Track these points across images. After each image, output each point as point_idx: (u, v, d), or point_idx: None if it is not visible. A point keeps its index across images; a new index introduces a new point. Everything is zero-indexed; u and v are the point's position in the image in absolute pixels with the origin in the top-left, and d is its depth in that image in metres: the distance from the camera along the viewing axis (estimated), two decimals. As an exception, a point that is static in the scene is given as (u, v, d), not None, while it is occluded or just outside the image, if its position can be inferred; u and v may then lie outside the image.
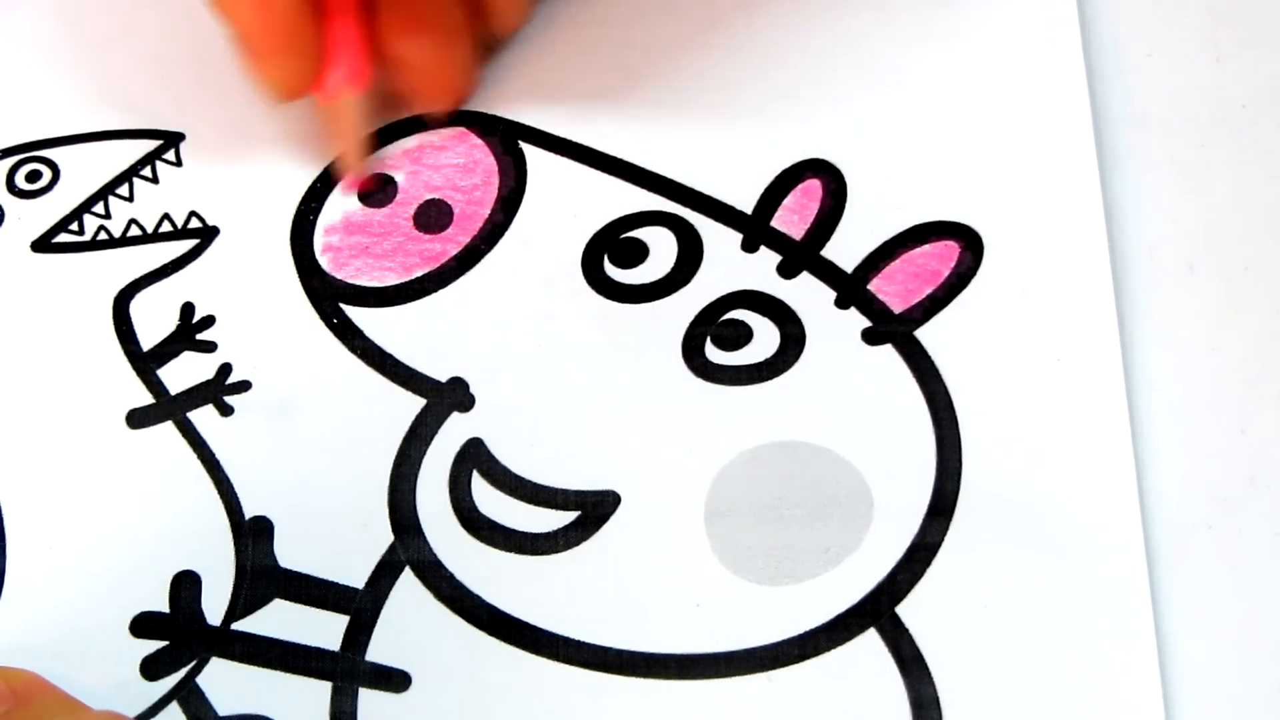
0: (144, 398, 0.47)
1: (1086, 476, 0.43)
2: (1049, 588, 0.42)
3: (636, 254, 0.48)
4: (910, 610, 0.42)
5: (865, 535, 0.43)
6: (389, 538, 0.45)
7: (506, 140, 0.50)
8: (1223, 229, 0.47)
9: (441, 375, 0.47)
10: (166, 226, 0.50)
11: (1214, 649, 0.41)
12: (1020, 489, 0.43)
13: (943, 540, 0.43)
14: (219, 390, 0.47)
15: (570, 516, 0.44)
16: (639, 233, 0.48)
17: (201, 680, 0.43)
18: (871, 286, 0.47)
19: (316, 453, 0.46)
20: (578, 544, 0.44)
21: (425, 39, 0.48)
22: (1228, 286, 0.46)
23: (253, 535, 0.45)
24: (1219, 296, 0.46)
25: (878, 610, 0.42)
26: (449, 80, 0.50)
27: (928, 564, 0.43)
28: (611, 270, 0.48)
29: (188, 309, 0.48)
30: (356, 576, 0.44)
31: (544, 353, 0.47)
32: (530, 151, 0.50)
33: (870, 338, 0.46)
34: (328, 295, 0.48)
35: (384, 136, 0.51)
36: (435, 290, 0.48)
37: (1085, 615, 0.42)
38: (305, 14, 0.46)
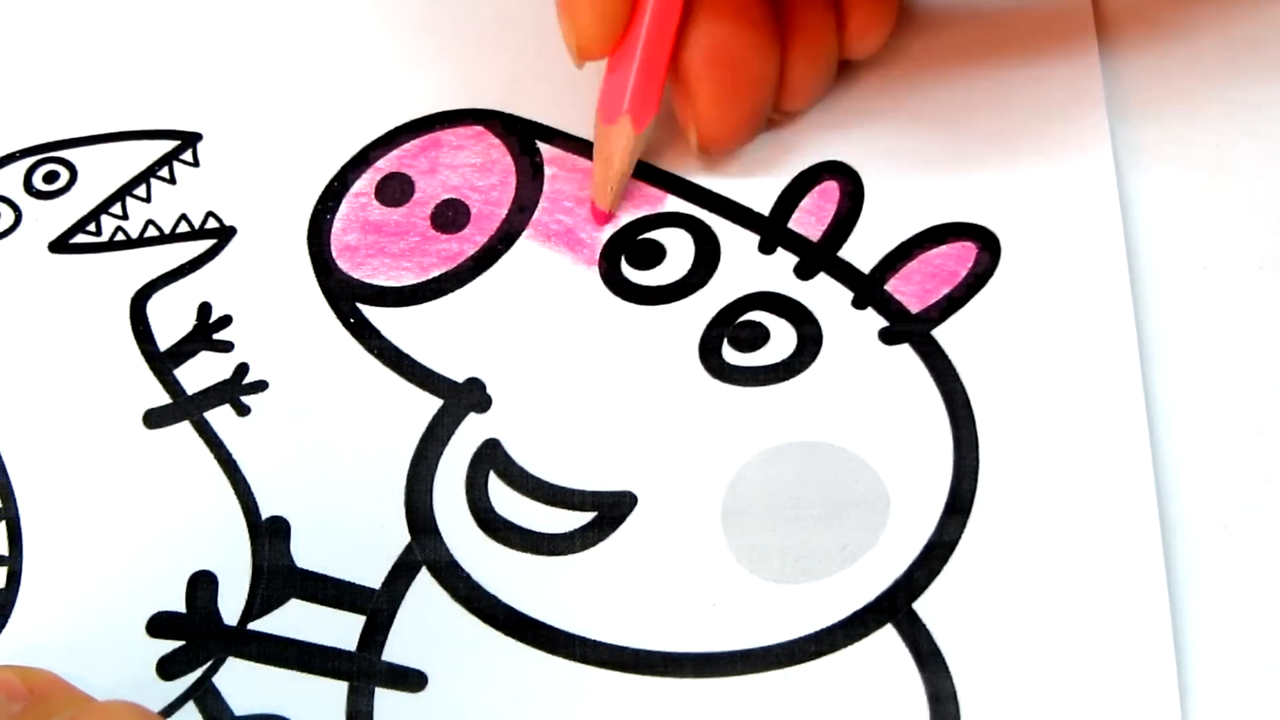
0: (161, 398, 0.47)
1: (1103, 474, 0.43)
2: (1066, 584, 0.42)
3: (654, 255, 0.48)
4: (927, 606, 0.42)
5: (882, 533, 0.43)
6: (405, 538, 0.45)
7: (524, 140, 0.50)
8: (1237, 229, 0.47)
9: (459, 376, 0.47)
10: (184, 227, 0.50)
11: (1230, 647, 0.41)
12: (1038, 487, 0.43)
13: (960, 537, 0.43)
14: (236, 390, 0.47)
15: (587, 517, 0.44)
16: (656, 234, 0.48)
17: (218, 680, 0.43)
18: (889, 287, 0.47)
19: (333, 453, 0.46)
20: (594, 544, 0.44)
21: (727, 79, 0.47)
22: (1242, 286, 0.46)
23: (269, 535, 0.45)
24: (1233, 296, 0.46)
25: (895, 606, 0.42)
26: (732, 129, 0.48)
27: (945, 561, 0.43)
28: (629, 271, 0.48)
29: (205, 309, 0.48)
30: (373, 577, 0.44)
31: (561, 354, 0.47)
32: (547, 151, 0.50)
33: (887, 338, 0.46)
34: (345, 295, 0.48)
35: (400, 133, 0.51)
36: (452, 290, 0.48)
37: (1102, 612, 0.41)
38: None
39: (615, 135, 0.47)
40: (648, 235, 0.48)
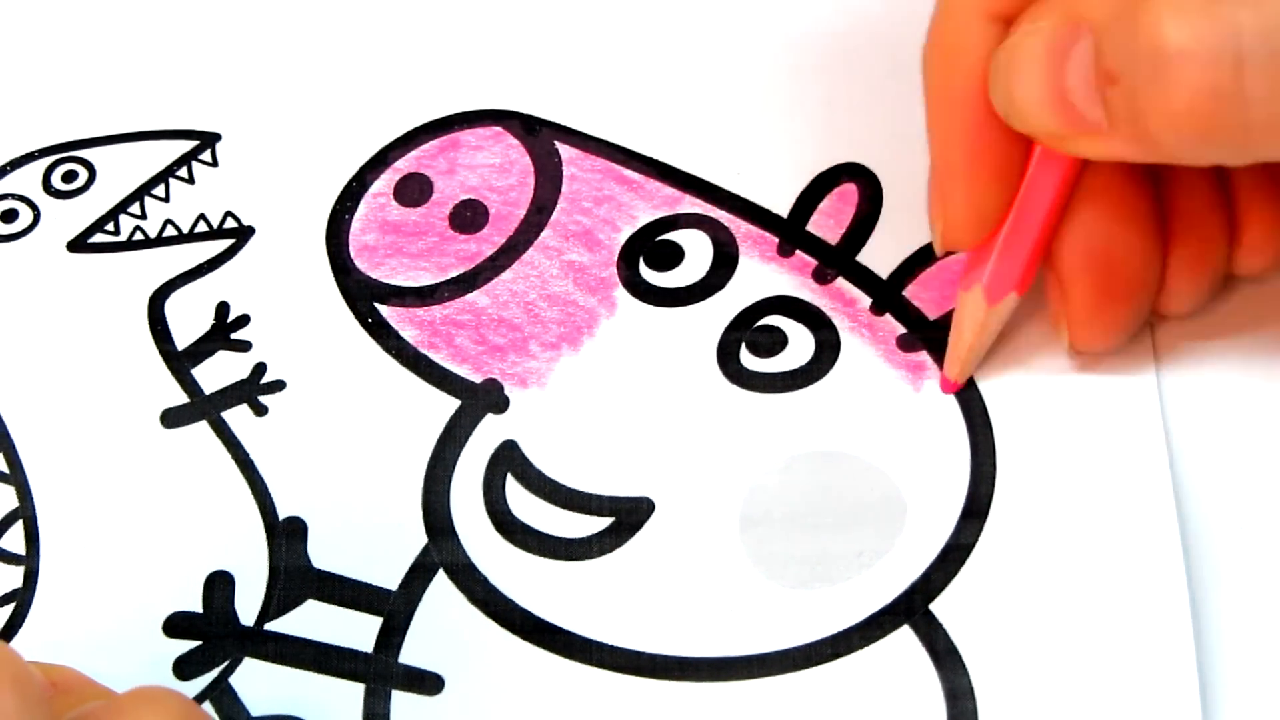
0: (179, 397, 0.47)
1: (1120, 478, 0.43)
2: (1084, 584, 0.42)
3: (672, 257, 0.48)
4: (944, 607, 0.42)
5: (898, 539, 0.43)
6: (422, 540, 0.45)
7: (543, 140, 0.50)
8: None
9: (476, 376, 0.47)
10: (202, 226, 0.50)
11: (1250, 649, 0.41)
12: (1055, 492, 0.43)
13: (976, 541, 0.43)
14: (253, 390, 0.47)
15: (604, 522, 0.44)
16: (674, 235, 0.48)
17: (234, 680, 0.43)
18: (907, 293, 0.47)
19: (351, 453, 0.46)
20: (611, 550, 0.44)
21: (1104, 283, 0.44)
22: (1257, 285, 0.46)
23: (286, 536, 0.45)
24: (1248, 296, 0.46)
25: (911, 607, 0.42)
26: (1108, 334, 0.45)
27: (961, 564, 0.43)
28: (647, 273, 0.48)
29: (222, 308, 0.48)
30: (390, 578, 0.44)
31: (578, 355, 0.47)
32: (566, 152, 0.50)
33: (905, 344, 0.46)
34: (363, 295, 0.48)
35: (419, 133, 0.51)
36: (470, 291, 0.48)
37: (1121, 610, 0.41)
38: (1010, 159, 0.43)
39: (969, 304, 0.44)
40: (666, 236, 0.48)
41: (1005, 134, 0.41)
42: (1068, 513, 0.43)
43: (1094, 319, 0.44)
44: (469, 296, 0.48)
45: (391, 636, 0.43)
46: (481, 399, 0.46)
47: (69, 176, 0.51)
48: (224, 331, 0.48)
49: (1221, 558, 0.42)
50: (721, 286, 0.47)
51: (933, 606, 0.42)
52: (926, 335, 0.46)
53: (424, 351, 0.47)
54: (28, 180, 0.51)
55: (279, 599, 0.44)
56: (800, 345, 0.46)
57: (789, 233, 0.48)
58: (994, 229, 0.43)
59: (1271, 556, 0.42)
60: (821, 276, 0.47)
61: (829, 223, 0.48)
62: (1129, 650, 0.41)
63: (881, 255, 0.47)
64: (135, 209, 0.50)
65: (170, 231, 0.50)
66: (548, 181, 0.50)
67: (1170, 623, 0.41)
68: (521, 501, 0.45)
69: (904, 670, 0.42)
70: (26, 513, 0.46)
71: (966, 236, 0.43)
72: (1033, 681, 0.41)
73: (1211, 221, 0.44)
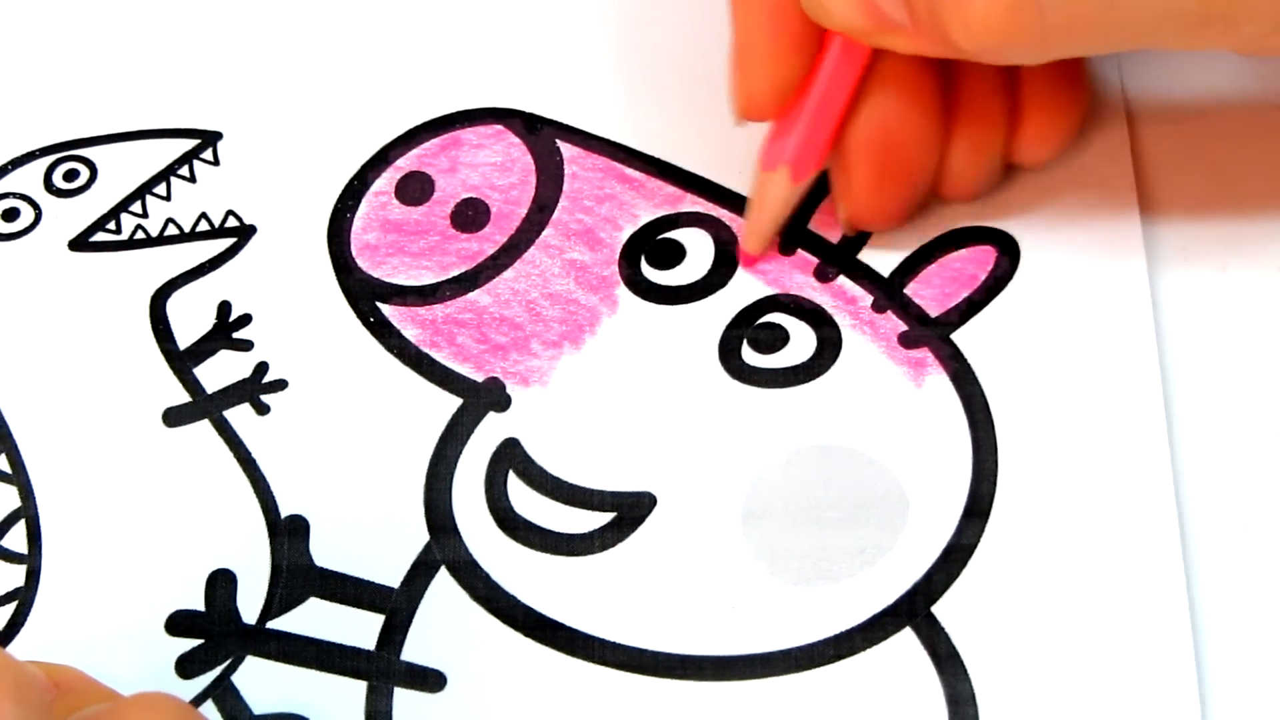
0: (180, 396, 0.47)
1: (1122, 478, 0.43)
2: (1085, 588, 0.42)
3: (674, 255, 0.48)
4: (946, 609, 0.42)
5: (901, 536, 0.43)
6: (424, 537, 0.45)
7: (545, 139, 0.50)
8: (1256, 230, 0.47)
9: (478, 375, 0.47)
10: (203, 225, 0.50)
11: (1249, 651, 0.41)
12: (1057, 491, 0.43)
13: (979, 541, 0.43)
14: (255, 389, 0.47)
15: (606, 518, 0.44)
16: (676, 234, 0.48)
17: (236, 679, 0.43)
18: (908, 290, 0.47)
19: (352, 452, 0.46)
20: (613, 545, 0.44)
21: (885, 164, 0.46)
22: (1261, 286, 0.46)
23: (288, 534, 0.45)
24: (1252, 297, 0.46)
25: (914, 610, 0.42)
26: (883, 213, 0.47)
27: (964, 564, 0.43)
28: (648, 271, 0.48)
29: (224, 308, 0.48)
30: (392, 576, 0.44)
31: (580, 354, 0.47)
32: (567, 150, 0.50)
33: (907, 341, 0.46)
34: (364, 294, 0.48)
35: (420, 131, 0.51)
36: (471, 289, 0.48)
37: (1122, 615, 0.41)
38: (806, 34, 0.44)
39: (772, 183, 0.46)
40: (667, 235, 0.48)
41: (802, 10, 0.43)
42: (1069, 513, 0.43)
43: (872, 198, 0.46)
44: (470, 295, 0.48)
45: (394, 634, 0.43)
46: (483, 397, 0.46)
47: (70, 175, 0.51)
48: (226, 331, 0.48)
49: (1221, 559, 0.42)
50: (723, 285, 0.48)
51: (935, 609, 0.42)
52: (928, 332, 0.46)
53: (426, 350, 0.47)
54: (29, 179, 0.51)
55: (281, 597, 0.44)
56: (802, 342, 0.46)
57: (790, 231, 0.48)
58: (792, 100, 0.45)
59: (1273, 562, 0.42)
60: (823, 275, 0.47)
61: (830, 220, 0.48)
62: (1128, 655, 0.41)
63: (882, 254, 0.47)
64: (137, 208, 0.50)
65: (172, 230, 0.50)
66: (549, 180, 0.50)
67: (1168, 626, 0.41)
68: (523, 498, 0.45)
69: (906, 674, 0.42)
70: (29, 512, 0.46)
71: (766, 107, 0.45)
72: (1035, 688, 0.41)
73: (993, 105, 0.46)
